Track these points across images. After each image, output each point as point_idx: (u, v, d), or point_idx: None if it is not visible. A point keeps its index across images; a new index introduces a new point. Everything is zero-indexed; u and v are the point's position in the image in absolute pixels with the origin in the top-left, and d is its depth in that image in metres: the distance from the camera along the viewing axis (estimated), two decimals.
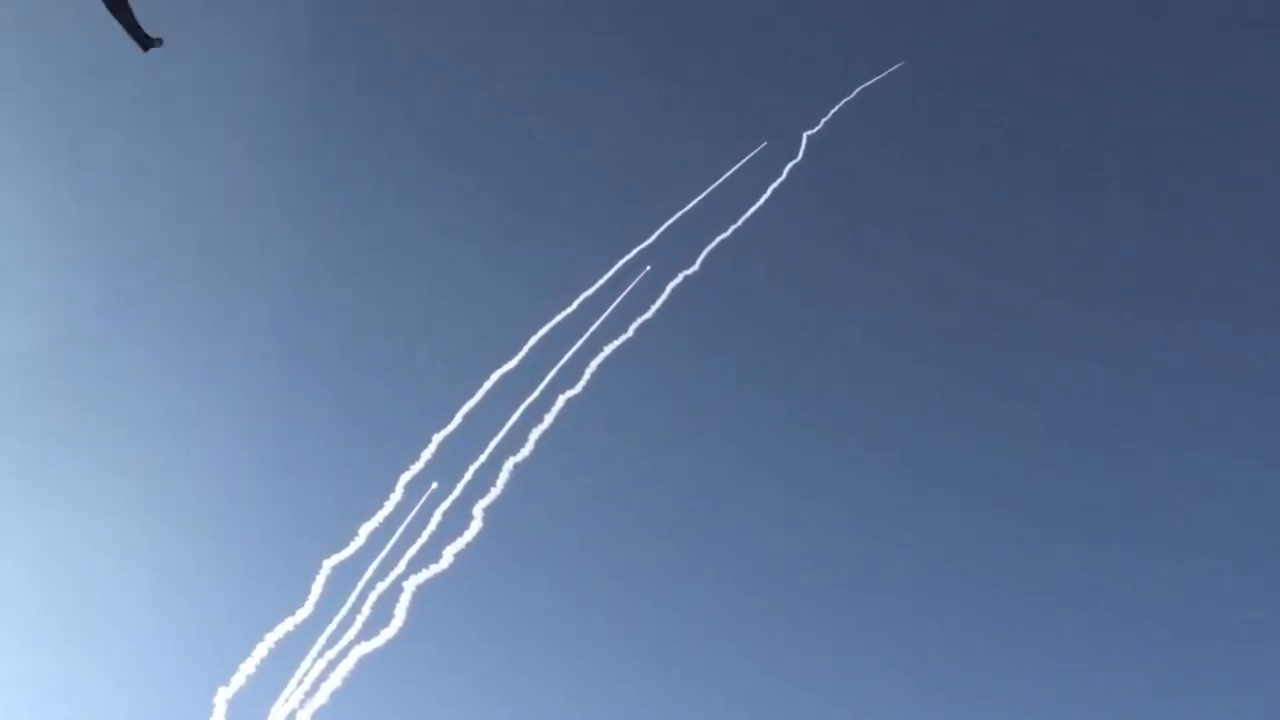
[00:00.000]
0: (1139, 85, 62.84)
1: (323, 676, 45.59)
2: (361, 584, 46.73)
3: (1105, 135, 62.61)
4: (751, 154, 55.58)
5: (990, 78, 63.83)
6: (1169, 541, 58.39)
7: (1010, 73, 63.95)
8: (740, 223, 54.17)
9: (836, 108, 57.23)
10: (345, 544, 47.18)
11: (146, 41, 32.91)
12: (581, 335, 51.11)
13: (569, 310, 51.54)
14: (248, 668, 45.46)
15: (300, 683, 45.52)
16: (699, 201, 54.25)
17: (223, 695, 45.02)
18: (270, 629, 45.95)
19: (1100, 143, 62.70)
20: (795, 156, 56.05)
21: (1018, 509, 59.23)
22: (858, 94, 57.54)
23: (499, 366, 50.63)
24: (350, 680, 45.40)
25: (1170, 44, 62.81)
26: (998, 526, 58.99)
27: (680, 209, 53.97)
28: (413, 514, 47.67)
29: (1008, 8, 63.88)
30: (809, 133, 56.51)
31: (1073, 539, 58.64)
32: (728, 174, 54.99)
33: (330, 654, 45.84)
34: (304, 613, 46.12)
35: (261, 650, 45.69)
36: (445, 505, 47.92)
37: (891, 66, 57.92)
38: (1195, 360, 60.67)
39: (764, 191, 55.14)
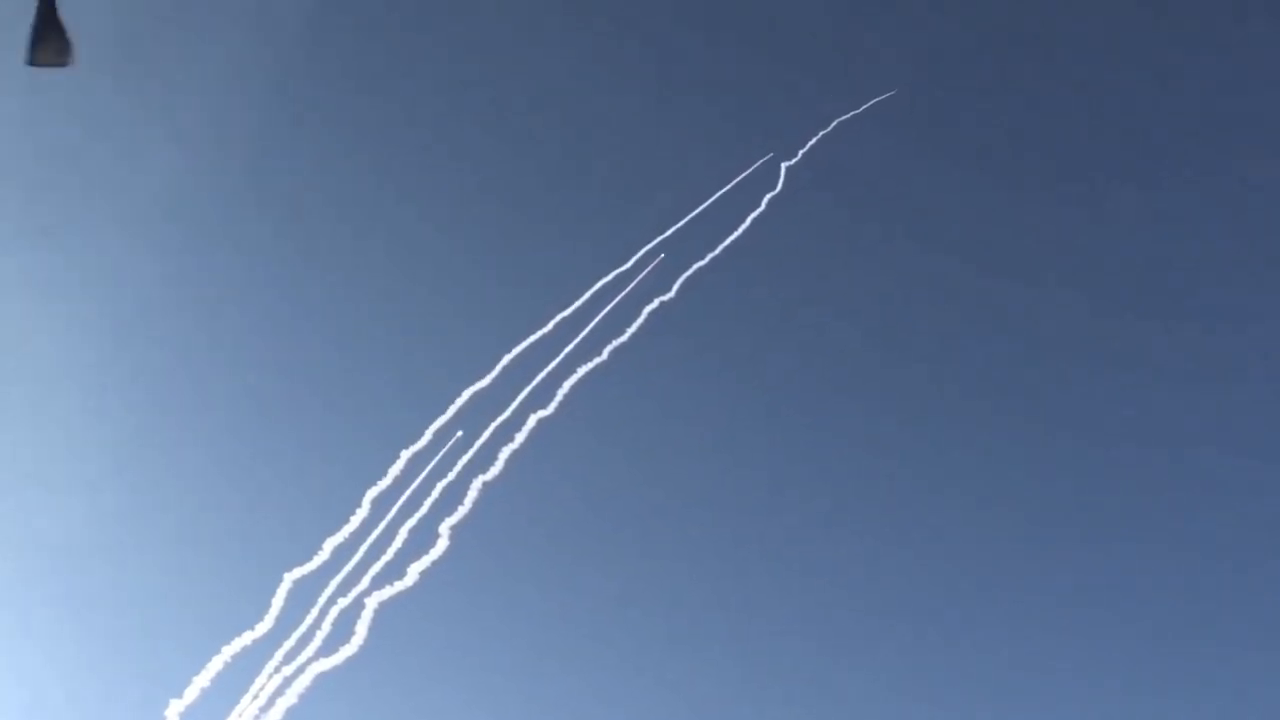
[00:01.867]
0: (1135, 118, 63.68)
1: (278, 692, 45.06)
2: (323, 600, 46.34)
3: (1100, 170, 63.34)
4: (733, 182, 55.96)
5: (970, 111, 64.50)
6: (1169, 541, 58.92)
7: (992, 106, 64.66)
8: (718, 251, 54.54)
9: (814, 140, 57.79)
10: (308, 558, 46.81)
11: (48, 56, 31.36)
12: (556, 356, 51.20)
13: (544, 330, 51.63)
14: (201, 681, 44.85)
15: (255, 698, 44.94)
16: (677, 229, 54.58)
17: (174, 708, 44.36)
18: (227, 642, 45.41)
19: (1095, 177, 63.41)
20: (774, 187, 56.50)
21: (1015, 512, 59.55)
22: (835, 127, 58.14)
23: (471, 384, 50.57)
24: (306, 698, 44.91)
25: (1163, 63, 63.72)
26: (993, 532, 59.32)
27: (659, 234, 54.27)
28: (378, 530, 47.37)
29: (989, 44, 64.56)
30: (787, 164, 56.98)
31: (1073, 540, 58.99)
32: (706, 203, 55.33)
33: (287, 670, 45.34)
34: (263, 627, 45.59)
35: (217, 664, 45.11)
36: (411, 522, 47.68)
37: (871, 99, 58.53)
38: (1195, 360, 61.31)
39: (742, 221, 55.54)
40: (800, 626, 56.80)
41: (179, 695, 44.43)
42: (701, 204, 55.05)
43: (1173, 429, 59.91)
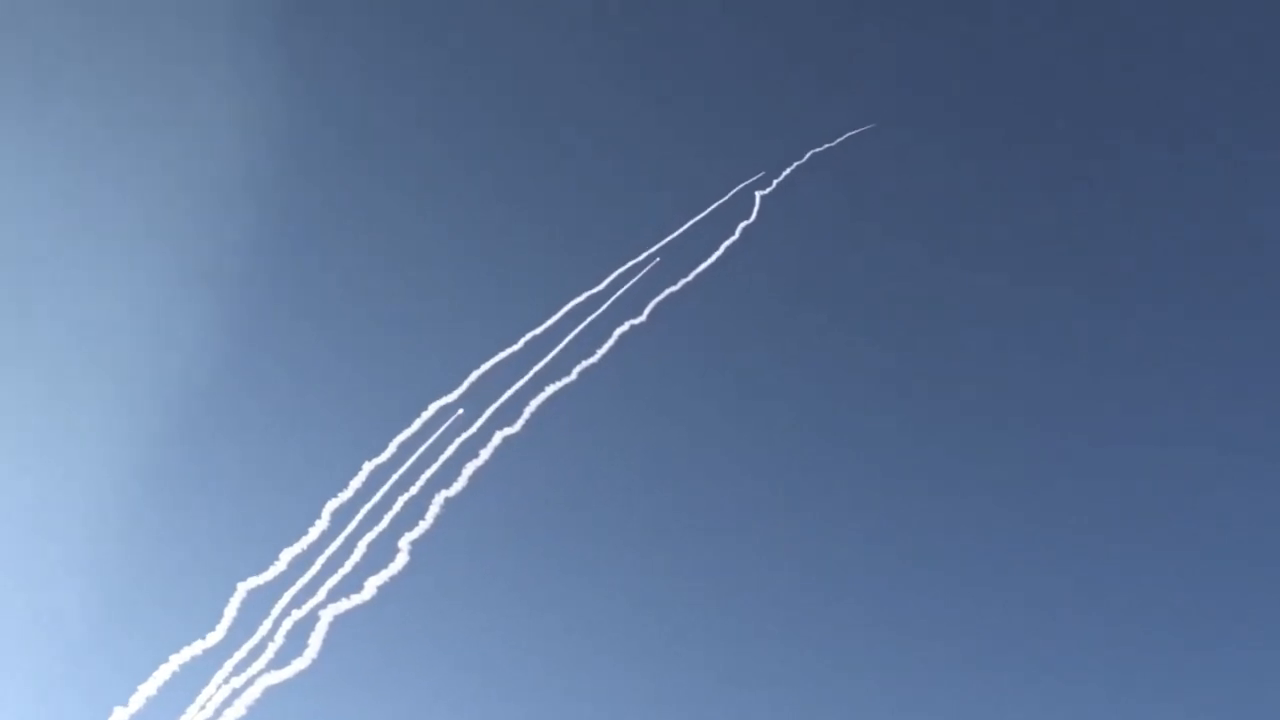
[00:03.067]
0: (1113, 151, 64.73)
1: (226, 704, 44.17)
2: (277, 611, 45.55)
3: (1072, 210, 64.25)
4: (707, 210, 56.12)
5: (943, 145, 65.24)
6: (1169, 542, 59.35)
7: (965, 141, 65.48)
8: (691, 277, 54.64)
9: (789, 170, 58.17)
10: (264, 568, 46.06)
11: None
12: (525, 374, 50.94)
13: (514, 348, 51.39)
14: (148, 689, 43.90)
15: (202, 709, 44.04)
16: (652, 253, 54.63)
17: (119, 716, 43.36)
18: (176, 650, 44.50)
19: (1067, 216, 64.31)
20: (749, 216, 56.75)
21: (1002, 514, 59.85)
22: (809, 158, 58.59)
23: (438, 398, 50.17)
24: (255, 710, 44.04)
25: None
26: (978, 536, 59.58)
27: (633, 257, 54.32)
28: (337, 543, 46.68)
29: (964, 81, 65.44)
30: (762, 193, 57.27)
31: (1071, 542, 59.27)
32: (681, 229, 55.43)
33: (236, 681, 44.49)
34: (215, 636, 44.75)
35: (165, 672, 44.18)
36: (371, 536, 47.05)
37: (846, 133, 59.02)
38: (1191, 359, 61.97)
39: (717, 248, 55.71)
40: (761, 645, 56.75)
41: (124, 703, 43.46)
42: (677, 230, 55.29)
43: (1168, 429, 60.63)
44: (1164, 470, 60.54)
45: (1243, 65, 64.23)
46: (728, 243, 55.75)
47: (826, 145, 58.81)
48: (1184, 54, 64.61)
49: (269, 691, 44.30)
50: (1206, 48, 64.65)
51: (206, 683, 44.31)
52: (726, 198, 56.58)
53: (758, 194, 57.13)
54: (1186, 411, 61.32)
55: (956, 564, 59.61)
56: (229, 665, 44.67)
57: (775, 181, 57.72)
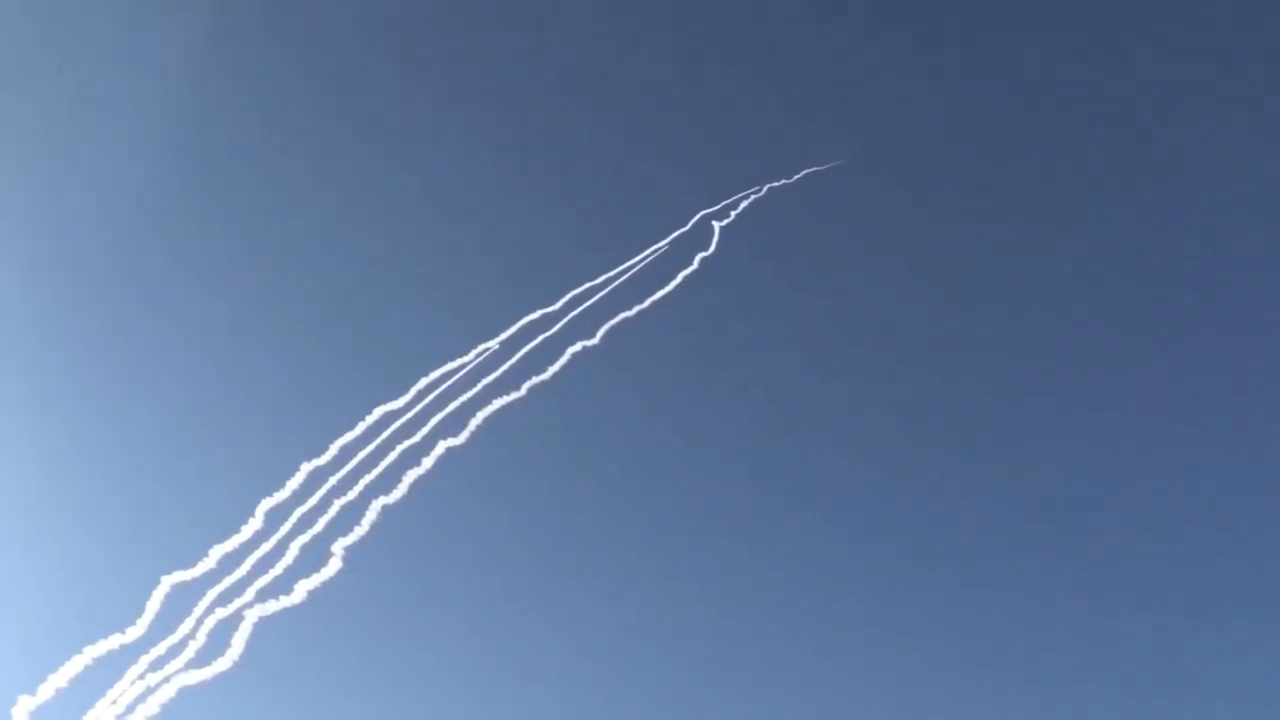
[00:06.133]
0: (1070, 190, 65.76)
1: (139, 700, 42.95)
2: (201, 609, 44.45)
3: (1027, 240, 65.08)
4: (668, 239, 56.30)
5: (903, 185, 66.02)
6: (1169, 541, 59.76)
7: (923, 185, 66.33)
8: (646, 304, 54.76)
9: (747, 202, 58.61)
10: (192, 564, 44.94)
11: None
12: (474, 385, 50.56)
13: (465, 358, 51.04)
14: (59, 679, 42.48)
15: (113, 703, 42.77)
16: (609, 276, 54.71)
17: (24, 705, 41.90)
18: (93, 641, 43.15)
19: (1021, 243, 65.10)
20: (708, 246, 57.05)
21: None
22: (766, 192, 59.13)
23: (384, 403, 49.55)
24: (168, 709, 42.86)
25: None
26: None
27: (591, 279, 54.33)
28: (269, 544, 45.71)
29: (929, 120, 66.38)
30: (720, 224, 57.64)
31: (1068, 546, 59.57)
32: (639, 255, 55.58)
33: (152, 678, 43.28)
34: (135, 630, 43.48)
35: (78, 663, 42.80)
36: (304, 539, 46.18)
37: (805, 170, 59.61)
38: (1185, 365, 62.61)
39: (674, 276, 55.91)
40: (701, 663, 56.51)
41: (32, 692, 42.03)
42: (635, 255, 55.46)
43: (1166, 428, 61.22)
44: (1164, 469, 61.26)
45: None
46: (685, 272, 56.02)
47: (784, 181, 59.44)
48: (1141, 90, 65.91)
49: (184, 691, 43.21)
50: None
51: (121, 677, 43.11)
52: (686, 227, 56.88)
53: (716, 225, 57.49)
54: (1185, 411, 62.08)
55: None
56: (145, 661, 43.51)
57: (734, 213, 58.13)
